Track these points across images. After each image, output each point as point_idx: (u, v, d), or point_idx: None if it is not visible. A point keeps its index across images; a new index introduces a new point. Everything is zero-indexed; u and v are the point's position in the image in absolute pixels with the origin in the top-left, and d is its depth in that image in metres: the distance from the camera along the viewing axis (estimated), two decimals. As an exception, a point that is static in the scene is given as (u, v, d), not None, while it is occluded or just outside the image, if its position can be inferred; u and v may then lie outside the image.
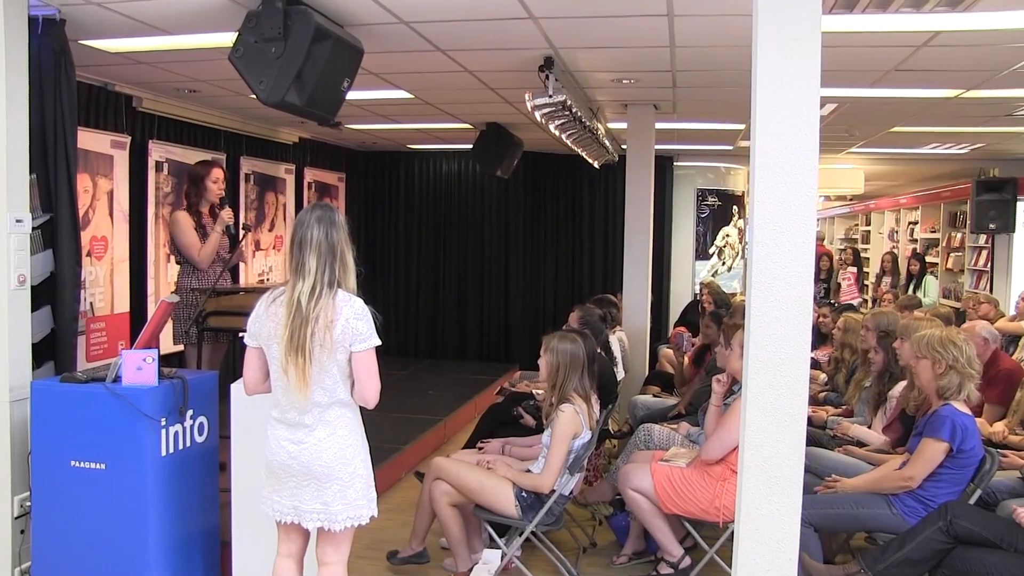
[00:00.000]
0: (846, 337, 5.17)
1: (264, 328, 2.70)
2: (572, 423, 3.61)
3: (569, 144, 6.22)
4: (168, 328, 5.07)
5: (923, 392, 3.64)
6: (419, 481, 4.20)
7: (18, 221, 3.40)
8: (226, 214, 4.77)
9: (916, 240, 11.70)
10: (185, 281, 4.78)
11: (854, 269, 10.06)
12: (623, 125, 6.67)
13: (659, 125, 6.57)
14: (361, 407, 2.78)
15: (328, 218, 2.69)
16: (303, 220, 2.70)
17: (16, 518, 3.38)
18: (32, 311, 3.51)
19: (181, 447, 3.28)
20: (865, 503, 3.40)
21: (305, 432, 2.67)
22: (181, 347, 4.89)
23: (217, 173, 4.84)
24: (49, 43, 3.58)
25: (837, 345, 5.33)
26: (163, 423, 3.18)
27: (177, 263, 4.93)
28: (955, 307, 7.98)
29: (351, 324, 2.62)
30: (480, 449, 4.26)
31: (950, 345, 3.40)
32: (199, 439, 3.39)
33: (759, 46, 2.61)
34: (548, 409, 3.75)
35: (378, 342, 2.67)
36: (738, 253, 9.80)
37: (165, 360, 5.57)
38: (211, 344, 4.61)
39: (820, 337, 6.03)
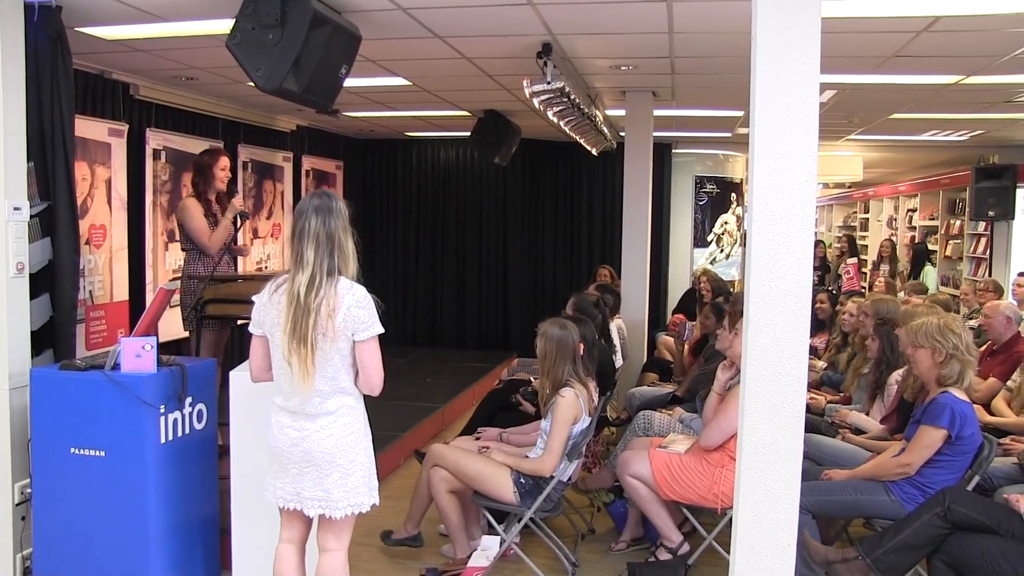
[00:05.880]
0: (858, 323, 5.13)
1: (268, 316, 2.71)
2: (572, 407, 3.61)
3: (567, 131, 6.20)
4: (176, 314, 5.10)
5: (922, 380, 3.63)
6: (419, 462, 4.20)
7: (16, 209, 3.40)
8: (237, 202, 4.82)
9: (915, 227, 11.68)
10: (191, 268, 4.80)
11: (854, 260, 10.05)
12: (621, 112, 6.65)
13: (657, 112, 6.55)
14: (364, 396, 2.79)
15: (325, 207, 2.68)
16: (302, 210, 2.70)
17: (17, 505, 3.40)
18: (31, 299, 3.52)
19: (180, 434, 3.28)
20: (863, 489, 3.41)
21: (307, 420, 2.68)
22: (188, 333, 4.88)
23: (224, 161, 4.90)
24: (45, 31, 3.56)
25: (850, 328, 5.30)
26: (162, 410, 3.18)
27: (183, 249, 4.95)
28: (953, 295, 7.97)
29: (352, 312, 2.63)
30: (477, 437, 4.27)
31: (949, 333, 3.37)
32: (198, 426, 3.40)
33: (758, 32, 2.60)
34: (544, 395, 3.75)
35: (381, 330, 2.68)
36: (736, 240, 9.80)
37: (175, 346, 5.61)
38: (215, 331, 4.61)
39: (818, 324, 6.03)
